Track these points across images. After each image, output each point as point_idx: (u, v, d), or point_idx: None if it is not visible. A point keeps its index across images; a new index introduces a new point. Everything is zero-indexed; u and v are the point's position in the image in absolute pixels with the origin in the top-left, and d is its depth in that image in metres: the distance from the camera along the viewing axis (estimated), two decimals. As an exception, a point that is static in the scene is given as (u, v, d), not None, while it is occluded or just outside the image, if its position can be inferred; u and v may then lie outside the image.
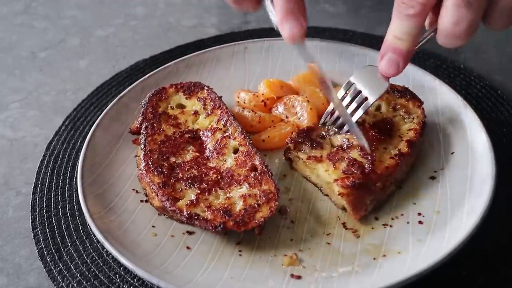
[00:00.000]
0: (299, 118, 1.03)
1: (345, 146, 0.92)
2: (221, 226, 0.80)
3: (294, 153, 0.94)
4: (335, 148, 0.92)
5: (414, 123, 0.96)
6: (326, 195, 0.92)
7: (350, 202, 0.85)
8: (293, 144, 0.94)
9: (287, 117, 1.05)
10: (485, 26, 0.78)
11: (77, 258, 0.86)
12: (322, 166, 0.90)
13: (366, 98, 0.92)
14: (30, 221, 0.93)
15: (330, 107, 0.97)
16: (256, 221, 0.81)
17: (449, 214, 0.86)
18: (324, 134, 0.96)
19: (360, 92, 0.93)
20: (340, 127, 0.96)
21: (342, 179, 0.85)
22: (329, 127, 0.97)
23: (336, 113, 0.96)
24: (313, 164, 0.91)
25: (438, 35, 0.78)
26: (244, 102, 1.07)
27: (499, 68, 1.22)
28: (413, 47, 0.80)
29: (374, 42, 1.28)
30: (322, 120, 0.98)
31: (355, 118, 0.92)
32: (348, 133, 0.94)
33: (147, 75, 1.11)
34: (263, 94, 1.07)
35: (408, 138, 0.92)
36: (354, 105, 0.93)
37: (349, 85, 0.94)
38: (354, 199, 0.85)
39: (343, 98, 0.94)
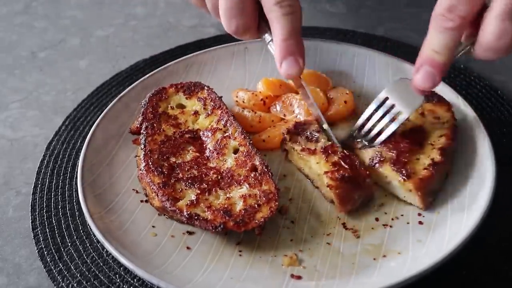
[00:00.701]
0: (297, 117, 1.03)
1: (376, 160, 0.90)
2: (221, 226, 0.80)
3: (289, 144, 0.95)
4: (330, 142, 0.93)
5: (444, 128, 0.93)
6: (317, 187, 0.92)
7: (337, 195, 0.85)
8: (289, 135, 0.94)
9: (285, 115, 1.05)
10: None
11: (77, 258, 0.86)
12: (314, 158, 0.90)
13: (399, 113, 0.90)
14: (30, 221, 0.93)
15: (361, 120, 0.95)
16: (256, 221, 0.81)
17: (449, 215, 0.85)
18: (354, 147, 0.95)
19: (393, 106, 0.90)
20: (371, 140, 0.93)
21: (332, 171, 0.86)
22: (360, 140, 0.95)
23: (367, 126, 0.93)
24: (306, 156, 0.91)
25: (477, 48, 0.77)
26: (243, 102, 1.07)
27: (499, 68, 1.21)
28: (450, 60, 0.78)
29: (375, 42, 1.28)
30: (352, 132, 0.96)
31: (388, 132, 0.90)
32: (379, 146, 0.91)
33: (147, 75, 1.11)
34: (260, 93, 1.07)
35: (441, 146, 0.89)
36: (387, 118, 0.91)
37: (382, 98, 0.92)
38: (342, 192, 0.85)
39: (375, 111, 0.92)
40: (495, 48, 0.73)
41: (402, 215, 0.88)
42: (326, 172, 0.87)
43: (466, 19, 0.75)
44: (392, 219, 0.87)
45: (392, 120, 0.91)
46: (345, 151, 0.92)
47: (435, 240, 0.82)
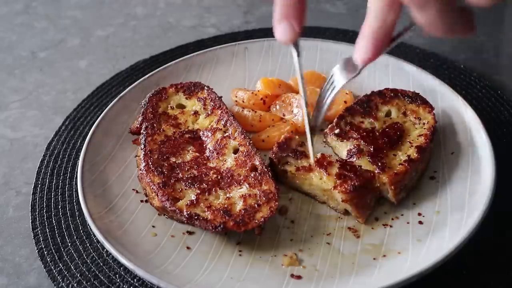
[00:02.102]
0: (295, 116, 1.03)
1: (354, 151, 0.91)
2: (221, 226, 0.80)
3: (280, 168, 0.92)
4: (319, 154, 0.91)
5: (424, 128, 0.95)
6: (323, 202, 0.91)
7: (355, 205, 0.85)
8: (277, 158, 0.92)
9: (284, 115, 1.05)
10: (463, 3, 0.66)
11: (77, 258, 0.86)
12: (314, 176, 0.89)
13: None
14: (30, 221, 0.93)
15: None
16: (256, 221, 0.81)
17: (449, 214, 0.85)
18: (328, 141, 0.96)
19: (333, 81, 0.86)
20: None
21: (341, 184, 0.85)
22: (330, 135, 0.96)
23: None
24: (303, 174, 0.90)
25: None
26: (243, 101, 1.07)
27: (499, 68, 1.21)
28: (383, 27, 0.69)
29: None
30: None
31: (327, 102, 0.83)
32: (353, 139, 0.92)
33: (147, 75, 1.11)
34: (259, 91, 1.07)
35: (418, 144, 0.92)
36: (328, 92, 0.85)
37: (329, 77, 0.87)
38: (358, 202, 0.85)
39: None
40: (421, 21, 0.63)
41: (402, 215, 0.88)
42: (335, 187, 0.85)
43: None
44: (392, 219, 0.87)
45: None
46: (339, 157, 0.91)
47: (435, 240, 0.82)
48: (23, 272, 0.85)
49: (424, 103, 1.00)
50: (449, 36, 0.64)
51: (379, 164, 0.88)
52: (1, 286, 0.84)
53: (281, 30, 0.75)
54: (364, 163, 0.90)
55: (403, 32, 0.74)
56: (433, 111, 0.98)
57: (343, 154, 0.94)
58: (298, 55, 0.82)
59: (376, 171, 0.88)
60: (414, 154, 0.90)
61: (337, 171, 0.88)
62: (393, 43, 0.73)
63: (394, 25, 0.69)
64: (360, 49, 0.70)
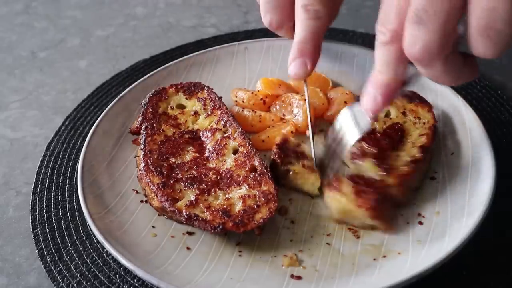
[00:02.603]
0: (295, 117, 1.03)
1: (358, 154, 0.90)
2: (220, 227, 0.80)
3: (283, 168, 0.90)
4: (330, 176, 0.87)
5: (425, 128, 0.95)
6: (342, 222, 0.86)
7: (382, 218, 0.83)
8: (280, 160, 0.91)
9: (284, 115, 1.05)
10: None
11: (77, 258, 0.86)
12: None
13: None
14: (30, 221, 0.93)
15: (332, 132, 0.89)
16: (255, 222, 0.81)
17: (449, 215, 0.85)
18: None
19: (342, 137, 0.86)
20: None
21: (364, 202, 0.82)
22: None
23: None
24: (307, 173, 0.89)
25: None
26: (243, 101, 1.07)
27: (499, 68, 1.21)
28: (393, 79, 0.70)
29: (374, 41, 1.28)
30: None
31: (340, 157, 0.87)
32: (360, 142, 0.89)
33: (147, 75, 1.11)
34: (259, 92, 1.07)
35: (421, 144, 0.92)
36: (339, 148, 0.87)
37: (334, 130, 0.87)
38: (382, 215, 0.83)
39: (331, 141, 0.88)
40: (412, 57, 0.64)
41: (401, 215, 0.88)
42: (359, 206, 0.82)
43: (397, 32, 0.66)
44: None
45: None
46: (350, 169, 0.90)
47: (435, 240, 0.82)
48: (23, 272, 0.86)
49: (423, 101, 1.00)
50: (454, 84, 0.65)
51: (384, 166, 0.88)
52: (1, 286, 0.84)
53: (296, 66, 0.78)
54: (369, 166, 0.89)
55: (411, 80, 0.73)
56: (432, 110, 0.98)
57: (347, 157, 0.94)
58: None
59: (380, 173, 0.87)
60: (418, 154, 0.90)
61: (353, 189, 0.84)
62: (402, 90, 0.73)
63: (403, 76, 0.70)
64: (370, 100, 0.72)
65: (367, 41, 1.28)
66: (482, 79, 1.18)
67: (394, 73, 0.69)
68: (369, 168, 0.89)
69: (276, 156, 0.92)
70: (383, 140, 0.93)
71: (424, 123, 0.97)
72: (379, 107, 0.72)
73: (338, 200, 0.84)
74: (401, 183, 0.86)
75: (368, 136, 0.94)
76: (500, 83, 1.17)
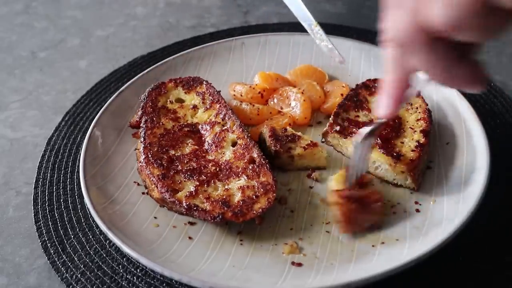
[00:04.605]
0: (293, 109, 1.04)
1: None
2: (220, 216, 0.81)
3: (286, 155, 0.94)
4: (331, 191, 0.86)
5: (419, 112, 0.98)
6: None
7: (342, 214, 0.82)
8: (282, 148, 0.93)
9: (282, 108, 1.06)
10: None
11: (80, 250, 0.87)
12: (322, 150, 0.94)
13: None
14: (33, 214, 0.93)
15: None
16: (254, 212, 0.83)
17: (445, 202, 0.87)
18: (329, 140, 0.99)
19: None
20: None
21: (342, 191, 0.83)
22: (331, 134, 0.97)
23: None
24: (311, 150, 0.94)
25: None
26: (241, 95, 1.08)
27: (499, 68, 1.23)
28: (398, 79, 0.69)
29: (369, 36, 1.29)
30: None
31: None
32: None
33: (146, 70, 1.12)
34: (256, 85, 1.08)
35: (422, 128, 0.95)
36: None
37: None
38: (347, 212, 0.82)
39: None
40: (433, 78, 0.63)
41: (399, 203, 0.89)
42: (334, 204, 0.83)
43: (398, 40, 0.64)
44: (391, 206, 0.89)
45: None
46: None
47: (432, 227, 0.83)
48: (23, 272, 0.85)
49: None
50: (453, 86, 0.64)
51: (393, 154, 0.90)
52: (1, 286, 0.83)
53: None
54: (378, 156, 0.91)
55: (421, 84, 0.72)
56: (421, 94, 1.01)
57: (349, 151, 0.95)
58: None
59: (391, 161, 0.89)
60: (422, 138, 0.93)
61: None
62: (414, 92, 0.73)
63: (410, 80, 0.70)
64: (382, 107, 0.72)
65: (362, 35, 1.30)
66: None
67: (400, 73, 0.69)
68: (376, 158, 0.91)
69: (278, 146, 0.94)
70: (383, 130, 0.95)
71: (417, 108, 0.99)
72: (389, 110, 0.73)
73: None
74: (411, 168, 0.88)
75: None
76: (500, 83, 1.17)
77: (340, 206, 0.82)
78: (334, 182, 0.87)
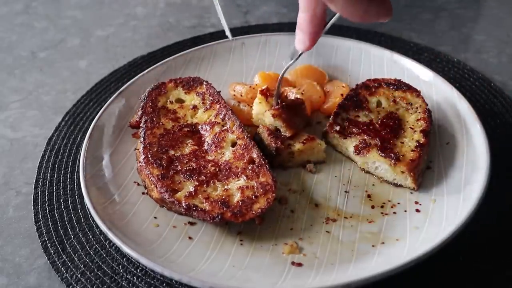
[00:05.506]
0: None
1: (362, 146, 0.94)
2: (219, 217, 0.81)
3: (287, 152, 0.95)
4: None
5: (419, 112, 0.98)
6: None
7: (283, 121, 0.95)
8: (284, 145, 0.95)
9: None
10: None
11: (80, 250, 0.87)
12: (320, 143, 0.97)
13: None
14: (33, 214, 0.93)
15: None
16: (254, 212, 0.83)
17: (445, 202, 0.87)
18: (329, 140, 1.01)
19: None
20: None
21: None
22: (331, 133, 1.00)
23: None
24: (310, 144, 0.96)
25: None
26: (241, 95, 1.08)
27: (499, 68, 1.23)
28: (315, 22, 0.78)
29: (369, 36, 1.30)
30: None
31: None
32: (356, 134, 0.97)
33: (146, 70, 1.12)
34: (256, 85, 1.09)
35: (422, 128, 0.95)
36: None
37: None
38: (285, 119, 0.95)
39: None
40: (336, 10, 0.69)
41: (399, 203, 0.89)
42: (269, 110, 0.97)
43: None
44: (391, 206, 0.89)
45: None
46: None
47: (432, 227, 0.83)
48: (23, 272, 0.85)
49: (409, 88, 1.03)
50: (366, 21, 0.70)
51: (392, 155, 0.90)
52: (1, 286, 0.83)
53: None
54: (375, 157, 0.91)
55: (331, 19, 0.87)
56: (421, 94, 1.01)
57: (350, 151, 0.96)
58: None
59: (390, 162, 0.89)
60: (422, 138, 0.93)
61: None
62: (325, 29, 0.85)
63: (324, 15, 0.78)
64: (299, 42, 0.82)
65: (362, 35, 1.30)
66: (475, 72, 1.20)
67: (314, 15, 0.78)
68: (376, 159, 0.91)
69: (279, 143, 0.95)
70: (382, 130, 0.95)
71: (417, 108, 0.99)
72: (308, 45, 0.82)
73: (259, 102, 1.00)
74: (411, 169, 0.88)
75: (368, 128, 0.96)
76: (500, 83, 1.18)
77: (279, 116, 0.95)
78: (261, 105, 1.00)
